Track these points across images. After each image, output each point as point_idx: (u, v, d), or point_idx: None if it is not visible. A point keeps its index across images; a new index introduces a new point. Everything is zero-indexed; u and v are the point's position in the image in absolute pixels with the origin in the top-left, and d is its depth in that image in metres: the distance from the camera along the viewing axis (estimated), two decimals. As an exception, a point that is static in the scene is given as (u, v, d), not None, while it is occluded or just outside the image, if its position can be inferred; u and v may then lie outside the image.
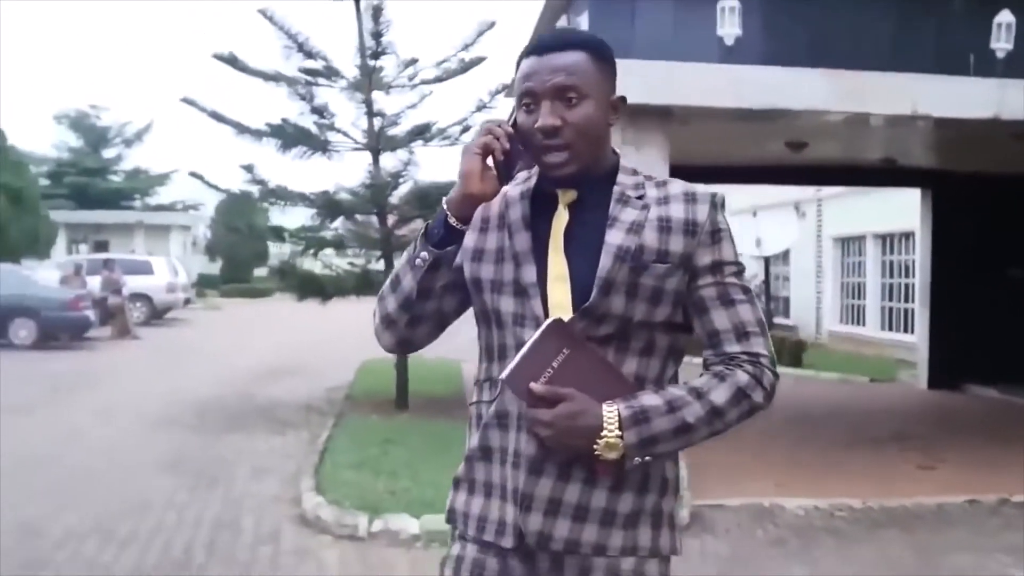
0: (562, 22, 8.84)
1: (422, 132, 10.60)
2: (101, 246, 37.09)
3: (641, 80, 7.09)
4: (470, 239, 1.89)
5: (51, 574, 5.08)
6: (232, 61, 10.68)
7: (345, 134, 10.64)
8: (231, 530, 5.95)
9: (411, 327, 1.93)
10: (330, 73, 10.50)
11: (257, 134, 10.52)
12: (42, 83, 77.70)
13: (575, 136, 1.77)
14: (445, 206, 1.84)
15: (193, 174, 11.08)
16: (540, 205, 1.86)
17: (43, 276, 19.95)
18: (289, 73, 10.54)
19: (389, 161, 10.63)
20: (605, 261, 1.77)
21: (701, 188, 1.85)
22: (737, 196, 15.42)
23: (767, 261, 20.45)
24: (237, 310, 31.42)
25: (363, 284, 10.26)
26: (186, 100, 10.57)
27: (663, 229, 1.79)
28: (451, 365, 13.01)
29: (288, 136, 10.54)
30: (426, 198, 10.02)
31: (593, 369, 1.74)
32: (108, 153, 46.93)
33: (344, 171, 43.73)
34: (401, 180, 10.44)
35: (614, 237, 1.78)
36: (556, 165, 1.78)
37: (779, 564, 5.57)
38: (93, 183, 43.68)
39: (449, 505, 1.92)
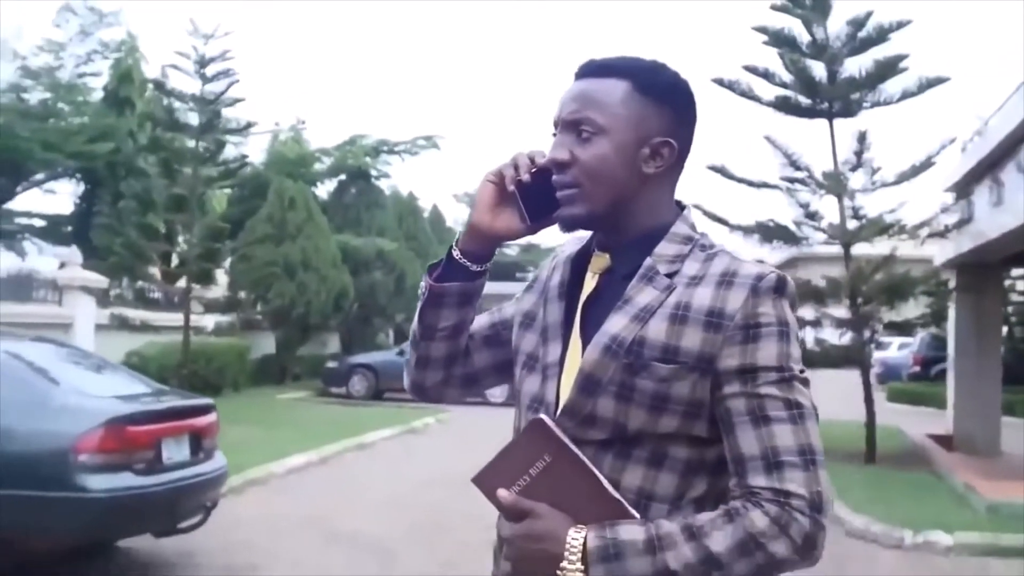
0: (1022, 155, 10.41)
1: (885, 229, 12.62)
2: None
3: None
4: (527, 300, 1.67)
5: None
6: (722, 171, 13.31)
7: (823, 231, 12.88)
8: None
9: (420, 369, 1.72)
10: (810, 181, 12.83)
11: (746, 231, 13.04)
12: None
13: (582, 176, 1.50)
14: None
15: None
16: (584, 271, 1.59)
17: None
18: (758, 179, 13.03)
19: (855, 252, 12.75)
20: (591, 353, 1.46)
21: (748, 267, 1.47)
22: None
23: None
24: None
25: (842, 357, 12.48)
26: (696, 206, 13.28)
27: (676, 319, 1.44)
28: (890, 427, 14.75)
29: (770, 232, 12.99)
30: (897, 287, 12.09)
31: (577, 483, 1.43)
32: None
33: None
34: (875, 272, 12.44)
35: (613, 324, 1.47)
36: (561, 204, 1.52)
37: None
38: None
39: None
